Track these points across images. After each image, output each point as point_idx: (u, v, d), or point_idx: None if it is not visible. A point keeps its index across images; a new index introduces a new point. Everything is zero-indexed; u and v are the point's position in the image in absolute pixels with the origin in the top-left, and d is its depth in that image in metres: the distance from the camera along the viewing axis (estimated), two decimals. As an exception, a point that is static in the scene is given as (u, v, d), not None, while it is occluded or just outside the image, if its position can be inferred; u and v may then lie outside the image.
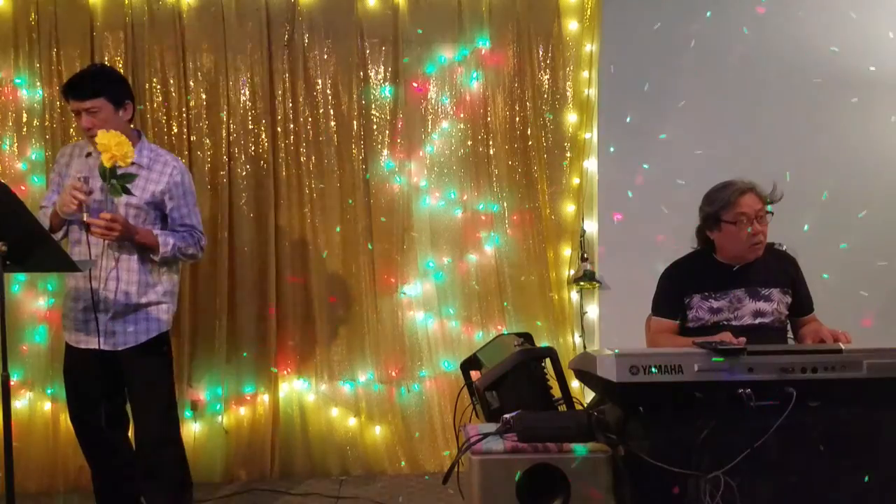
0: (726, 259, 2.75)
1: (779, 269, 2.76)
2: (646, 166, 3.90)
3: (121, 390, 2.88)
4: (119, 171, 2.55)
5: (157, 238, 2.74)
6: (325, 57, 3.80)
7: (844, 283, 3.78)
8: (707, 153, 3.84)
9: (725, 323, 2.68)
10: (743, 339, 2.27)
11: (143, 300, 2.78)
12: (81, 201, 2.52)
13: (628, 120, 3.92)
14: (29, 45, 3.64)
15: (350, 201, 3.83)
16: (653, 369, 2.01)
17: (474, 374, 2.98)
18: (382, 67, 3.84)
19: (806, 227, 3.79)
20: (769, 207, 2.68)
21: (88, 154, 2.78)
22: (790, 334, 2.87)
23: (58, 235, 2.72)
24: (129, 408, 2.94)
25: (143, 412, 2.85)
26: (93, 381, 2.81)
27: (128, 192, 2.62)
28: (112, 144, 2.48)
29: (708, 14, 3.92)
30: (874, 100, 3.98)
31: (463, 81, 3.89)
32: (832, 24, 3.96)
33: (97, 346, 2.74)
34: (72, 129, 3.66)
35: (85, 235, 2.64)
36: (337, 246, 3.84)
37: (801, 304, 2.79)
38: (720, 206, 2.67)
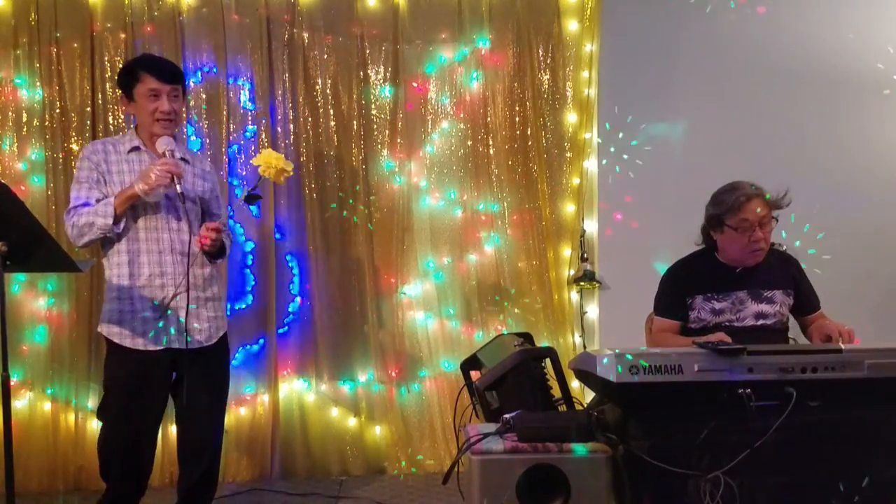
0: (727, 261, 2.75)
1: (781, 271, 2.76)
2: (639, 163, 3.90)
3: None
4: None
5: (224, 242, 2.81)
6: (325, 57, 3.80)
7: (845, 282, 3.78)
8: (707, 153, 3.85)
9: (727, 324, 2.68)
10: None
11: (209, 293, 2.79)
12: (175, 173, 2.54)
13: (629, 120, 3.92)
14: (29, 45, 3.64)
15: (350, 201, 3.83)
16: (653, 369, 2.01)
17: (474, 374, 2.99)
18: (382, 67, 3.84)
19: (807, 227, 3.79)
20: (775, 213, 2.67)
21: (133, 150, 2.70)
22: (792, 334, 2.87)
23: (119, 226, 2.60)
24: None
25: (209, 414, 2.78)
26: (160, 388, 2.70)
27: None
28: (273, 160, 2.71)
29: (707, 9, 3.92)
30: (879, 99, 3.98)
31: (463, 81, 3.88)
32: (833, 23, 3.95)
33: (177, 345, 2.65)
34: (72, 129, 3.66)
35: (176, 213, 2.67)
36: (337, 246, 3.84)
37: (806, 303, 2.78)
38: (725, 209, 2.67)
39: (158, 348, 2.66)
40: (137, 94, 2.66)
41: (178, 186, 2.56)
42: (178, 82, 2.71)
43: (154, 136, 2.69)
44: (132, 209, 2.63)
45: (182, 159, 2.74)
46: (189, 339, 2.66)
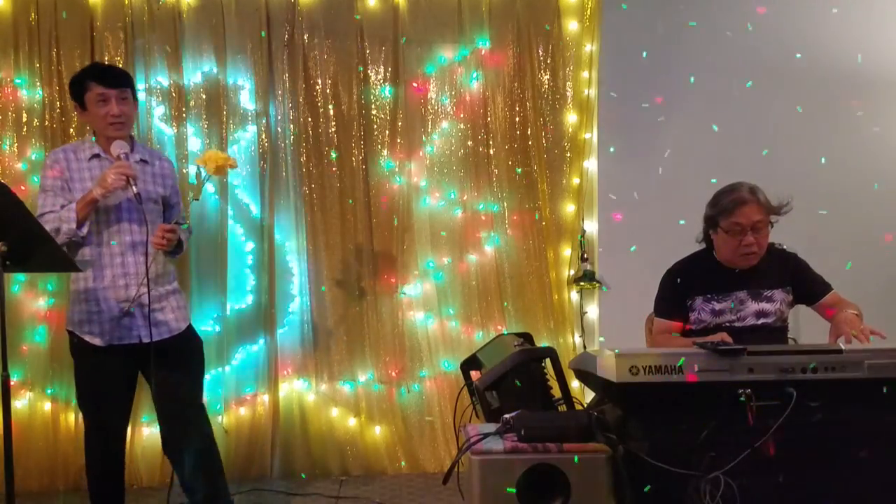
0: (722, 261, 2.76)
1: (780, 270, 2.76)
2: (639, 163, 3.91)
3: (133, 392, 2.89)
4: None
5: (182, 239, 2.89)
6: (325, 57, 3.80)
7: (844, 282, 3.78)
8: (707, 153, 3.85)
9: (728, 325, 2.68)
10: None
11: (171, 287, 2.89)
12: (129, 175, 2.62)
13: (629, 120, 3.92)
14: (29, 45, 3.64)
15: (350, 201, 3.83)
16: (653, 369, 2.01)
17: (474, 374, 2.98)
18: (382, 67, 3.84)
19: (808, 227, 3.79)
20: (773, 219, 2.67)
21: (94, 157, 2.78)
22: (792, 334, 2.88)
23: (83, 230, 2.67)
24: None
25: (188, 405, 2.87)
26: (125, 382, 2.80)
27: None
28: (212, 157, 2.75)
29: (706, 7, 3.92)
30: (879, 98, 3.98)
31: (463, 81, 3.88)
32: (833, 23, 3.96)
33: (139, 341, 2.74)
34: (72, 129, 3.66)
35: (137, 214, 2.73)
36: (337, 246, 3.84)
37: (811, 292, 2.76)
38: (719, 210, 2.67)
39: (124, 343, 2.75)
40: (88, 102, 2.75)
41: (133, 188, 2.63)
42: (125, 86, 2.78)
43: (109, 139, 2.78)
44: (95, 213, 2.71)
45: (141, 160, 2.84)
46: (154, 331, 2.75)
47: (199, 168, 2.85)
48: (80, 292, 2.75)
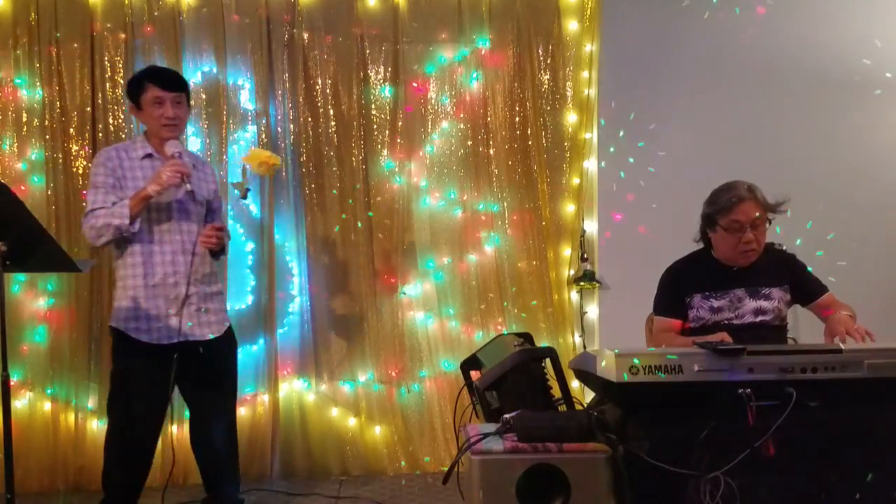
0: (721, 259, 2.76)
1: (777, 269, 2.77)
2: (639, 163, 3.90)
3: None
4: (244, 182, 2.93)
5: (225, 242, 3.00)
6: (325, 57, 3.80)
7: (844, 282, 3.78)
8: (707, 153, 3.85)
9: (726, 322, 2.69)
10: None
11: (216, 288, 2.97)
12: (185, 173, 2.71)
13: (629, 119, 3.91)
14: (29, 45, 3.64)
15: (350, 201, 3.83)
16: (653, 369, 2.01)
17: (474, 374, 2.98)
18: (382, 67, 3.84)
19: (809, 224, 3.78)
20: (770, 216, 2.67)
21: (146, 156, 2.85)
22: (792, 334, 2.87)
23: (135, 226, 2.73)
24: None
25: (221, 408, 2.98)
26: (163, 382, 2.81)
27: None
28: (263, 157, 2.89)
29: (706, 14, 3.92)
30: (879, 98, 3.98)
31: (463, 81, 3.89)
32: (833, 23, 3.96)
33: (185, 339, 2.81)
34: (72, 130, 3.66)
35: (187, 214, 2.85)
36: (337, 246, 3.84)
37: (808, 292, 2.77)
38: (717, 209, 2.68)
39: (172, 342, 2.80)
40: (144, 103, 2.84)
41: (188, 185, 2.74)
42: (181, 90, 2.88)
43: (162, 140, 2.85)
44: (146, 212, 2.78)
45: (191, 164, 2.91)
46: (200, 331, 2.87)
47: (244, 166, 2.93)
48: (129, 289, 2.81)
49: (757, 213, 2.62)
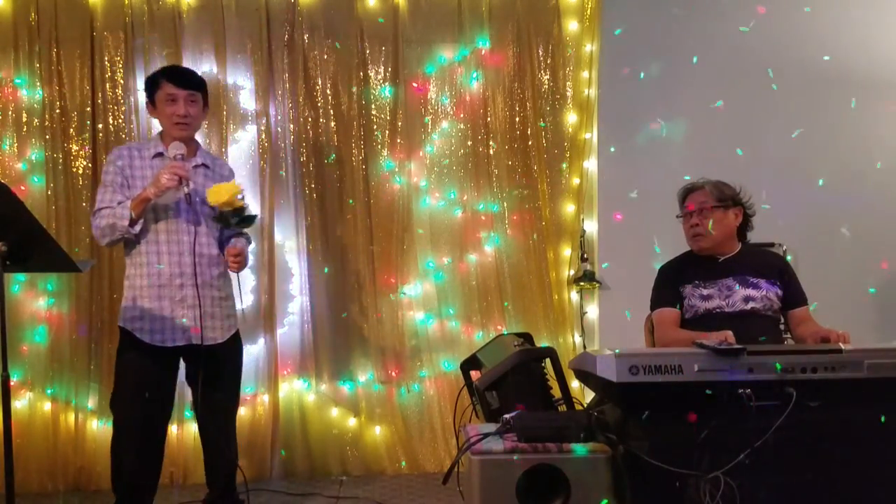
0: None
1: (765, 263, 2.86)
2: (639, 163, 3.91)
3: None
4: (244, 214, 2.88)
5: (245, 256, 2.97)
6: (325, 57, 3.80)
7: (845, 282, 3.78)
8: (707, 152, 3.85)
9: (718, 310, 2.73)
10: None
11: (224, 293, 2.94)
12: (183, 176, 2.67)
13: (629, 119, 3.92)
14: (29, 45, 3.64)
15: (350, 201, 3.83)
16: (653, 369, 2.01)
17: (474, 374, 2.99)
18: (382, 67, 3.84)
19: (809, 229, 3.80)
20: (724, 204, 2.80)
21: (157, 155, 2.84)
22: (788, 335, 2.88)
23: (136, 228, 2.73)
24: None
25: (221, 410, 2.96)
26: (168, 383, 2.84)
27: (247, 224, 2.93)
28: (224, 192, 2.75)
29: (706, 7, 3.92)
30: (878, 98, 3.98)
31: (463, 81, 3.88)
32: (834, 23, 3.96)
33: (189, 342, 2.80)
34: (72, 130, 3.66)
35: (195, 216, 2.81)
36: (337, 246, 3.84)
37: (792, 296, 2.83)
38: (679, 202, 2.92)
39: (177, 345, 2.80)
40: (158, 100, 2.84)
41: (185, 188, 2.69)
42: (196, 88, 2.86)
43: (173, 138, 2.84)
44: (153, 212, 2.77)
45: (203, 164, 2.92)
46: (208, 334, 2.84)
47: (216, 209, 2.84)
48: (135, 289, 2.80)
49: (702, 199, 2.82)
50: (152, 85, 2.86)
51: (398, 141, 3.86)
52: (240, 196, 2.83)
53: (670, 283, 2.86)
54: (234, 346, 3.00)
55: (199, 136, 3.71)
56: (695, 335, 2.44)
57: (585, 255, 3.94)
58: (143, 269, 2.79)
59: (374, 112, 3.85)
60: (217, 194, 2.76)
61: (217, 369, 2.89)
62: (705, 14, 3.93)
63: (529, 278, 3.90)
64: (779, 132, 3.93)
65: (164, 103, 2.81)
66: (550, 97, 3.91)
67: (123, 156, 2.84)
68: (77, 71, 3.65)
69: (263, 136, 3.77)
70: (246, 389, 3.77)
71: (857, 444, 2.06)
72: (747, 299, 2.73)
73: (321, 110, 3.81)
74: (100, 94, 3.67)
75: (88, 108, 3.65)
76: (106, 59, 3.66)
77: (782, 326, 2.85)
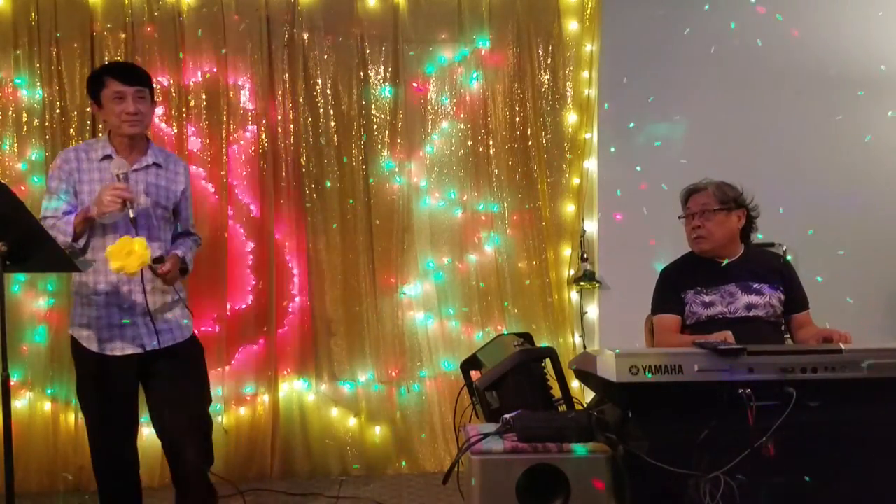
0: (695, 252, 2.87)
1: (768, 267, 2.83)
2: (639, 163, 3.91)
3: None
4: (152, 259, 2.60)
5: (186, 263, 2.82)
6: (325, 57, 3.80)
7: (844, 282, 3.78)
8: (707, 152, 3.85)
9: (720, 317, 2.72)
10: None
11: (177, 297, 2.81)
12: (126, 198, 2.54)
13: (629, 120, 3.92)
14: (29, 45, 3.64)
15: (350, 201, 3.83)
16: (653, 369, 2.01)
17: (474, 374, 2.99)
18: (382, 67, 3.84)
19: (811, 231, 3.80)
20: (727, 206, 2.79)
21: (105, 157, 2.71)
22: (789, 335, 2.88)
23: (80, 243, 2.64)
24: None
25: (190, 414, 2.79)
26: (126, 386, 2.75)
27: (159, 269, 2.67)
28: (124, 253, 2.48)
29: (706, 7, 3.92)
30: (880, 98, 3.98)
31: (463, 81, 3.88)
32: (834, 22, 3.96)
33: (142, 350, 2.69)
34: (72, 130, 3.66)
35: (140, 223, 2.65)
36: (337, 246, 3.84)
37: (794, 301, 2.82)
38: (681, 203, 2.90)
39: (126, 353, 2.70)
40: (104, 99, 2.70)
41: (130, 212, 2.56)
42: (143, 84, 2.73)
43: (123, 138, 2.72)
44: (99, 223, 2.64)
45: (154, 164, 2.79)
46: (157, 340, 2.72)
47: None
48: (83, 296, 2.72)
49: (705, 201, 2.80)
50: (96, 83, 2.71)
51: (398, 141, 3.86)
52: (151, 257, 2.59)
53: (671, 289, 2.84)
54: (193, 348, 2.87)
55: (199, 137, 3.74)
56: (694, 339, 2.44)
57: (585, 255, 3.94)
58: (90, 277, 2.68)
59: (374, 112, 3.85)
60: (119, 261, 2.48)
61: (174, 365, 2.77)
62: (705, 13, 3.92)
63: (529, 278, 3.90)
64: (780, 132, 3.93)
65: (112, 101, 2.67)
66: (550, 97, 3.91)
67: (70, 159, 2.72)
68: (77, 71, 3.65)
69: (263, 136, 3.77)
70: (246, 389, 3.78)
71: (858, 444, 2.05)
72: (750, 307, 2.72)
73: (321, 110, 3.81)
74: (100, 94, 3.67)
75: (88, 108, 3.64)
76: (106, 59, 3.66)
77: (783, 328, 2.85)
